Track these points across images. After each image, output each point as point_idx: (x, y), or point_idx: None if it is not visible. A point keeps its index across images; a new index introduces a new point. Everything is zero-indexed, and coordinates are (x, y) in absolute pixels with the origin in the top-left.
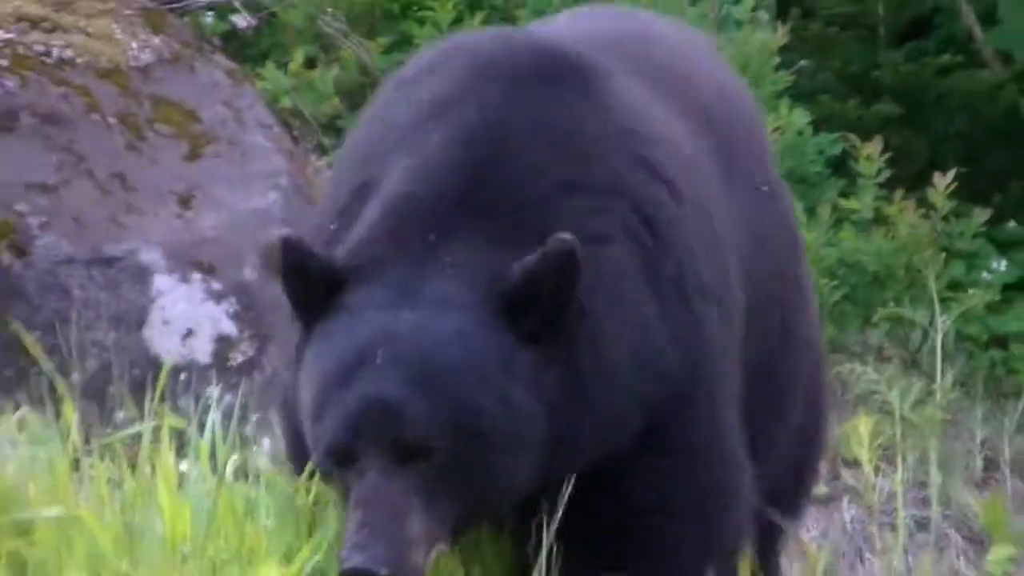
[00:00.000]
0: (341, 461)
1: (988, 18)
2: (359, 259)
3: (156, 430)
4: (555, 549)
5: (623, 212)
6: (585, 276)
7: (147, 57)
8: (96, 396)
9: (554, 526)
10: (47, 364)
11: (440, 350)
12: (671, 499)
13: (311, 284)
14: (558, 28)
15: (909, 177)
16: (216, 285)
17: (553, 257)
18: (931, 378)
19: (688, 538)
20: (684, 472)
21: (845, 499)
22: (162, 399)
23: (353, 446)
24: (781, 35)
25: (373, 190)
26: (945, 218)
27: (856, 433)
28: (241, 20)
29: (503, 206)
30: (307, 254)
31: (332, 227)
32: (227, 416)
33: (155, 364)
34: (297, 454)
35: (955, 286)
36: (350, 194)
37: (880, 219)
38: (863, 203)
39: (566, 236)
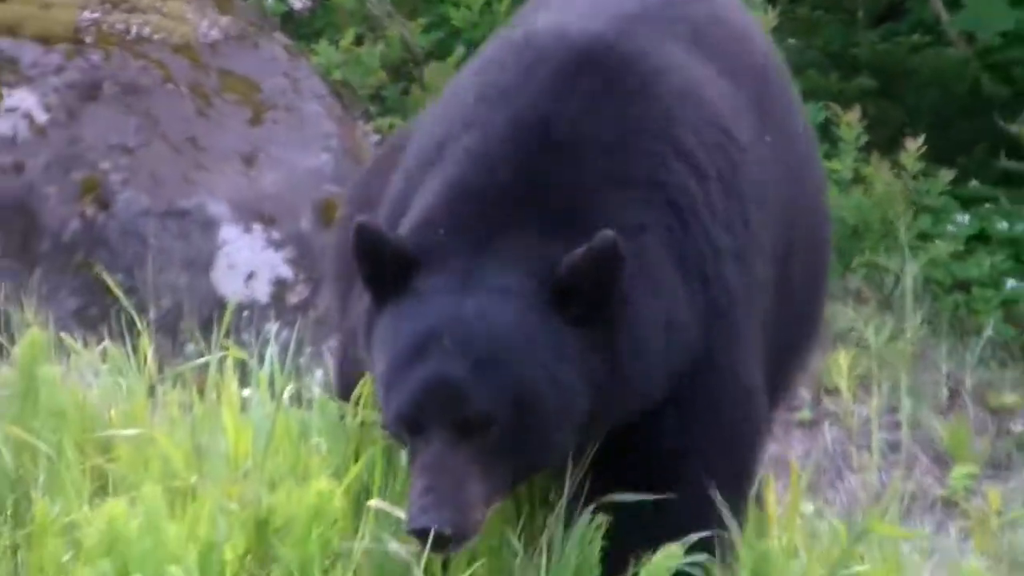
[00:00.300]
0: (410, 429)
1: (954, 3)
2: (424, 243)
3: (221, 361)
4: (585, 484)
5: (660, 204)
6: (626, 266)
7: (215, 35)
8: (169, 331)
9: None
10: (126, 303)
11: (499, 335)
12: (696, 444)
13: (383, 266)
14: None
15: (884, 142)
16: (275, 234)
17: (597, 252)
18: (902, 318)
19: (713, 474)
20: (708, 422)
21: (826, 423)
22: (227, 334)
23: (420, 419)
24: (772, 17)
25: (438, 164)
26: (915, 178)
27: (836, 365)
28: (298, 2)
29: (552, 198)
30: (380, 239)
31: (399, 197)
32: (284, 349)
33: (220, 303)
34: (344, 392)
35: (923, 237)
36: (419, 166)
37: (858, 179)
38: (844, 164)
39: (609, 233)
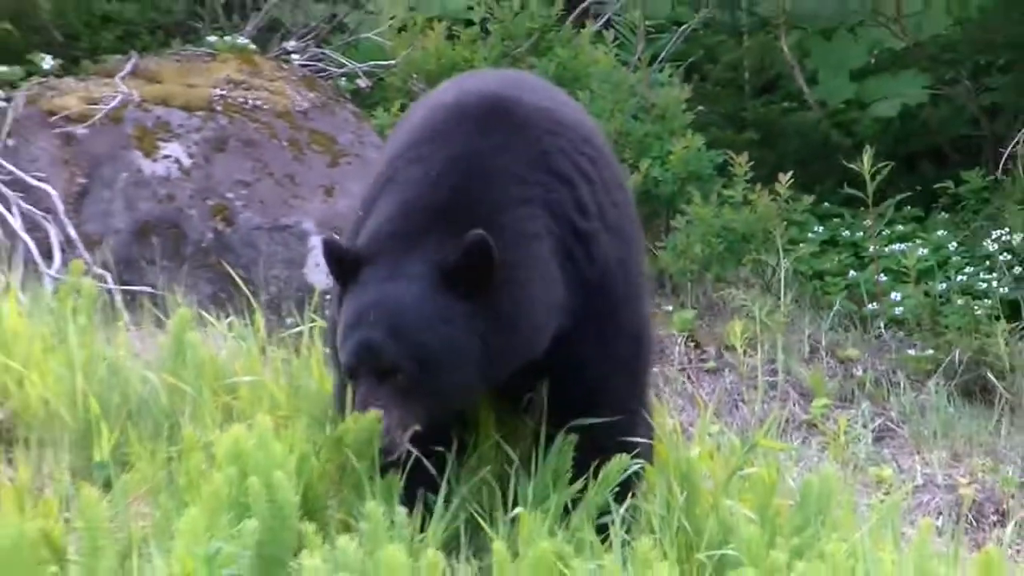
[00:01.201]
0: (350, 375)
1: (811, 80)
2: (372, 247)
3: (311, 330)
4: (543, 412)
5: (545, 218)
6: (521, 258)
7: (306, 104)
8: (274, 309)
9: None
10: (245, 290)
11: (403, 309)
12: (608, 375)
13: (343, 267)
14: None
15: (764, 177)
16: None
17: (469, 244)
18: (778, 298)
19: (625, 394)
20: (610, 359)
21: (726, 370)
22: (314, 311)
23: (354, 368)
24: (687, 90)
25: (388, 186)
26: (786, 201)
27: (733, 331)
28: (362, 82)
29: (473, 213)
30: (340, 249)
31: (360, 214)
32: None
33: (310, 289)
34: (333, 359)
35: (792, 242)
36: (376, 186)
37: (747, 201)
38: (736, 192)
39: (479, 231)
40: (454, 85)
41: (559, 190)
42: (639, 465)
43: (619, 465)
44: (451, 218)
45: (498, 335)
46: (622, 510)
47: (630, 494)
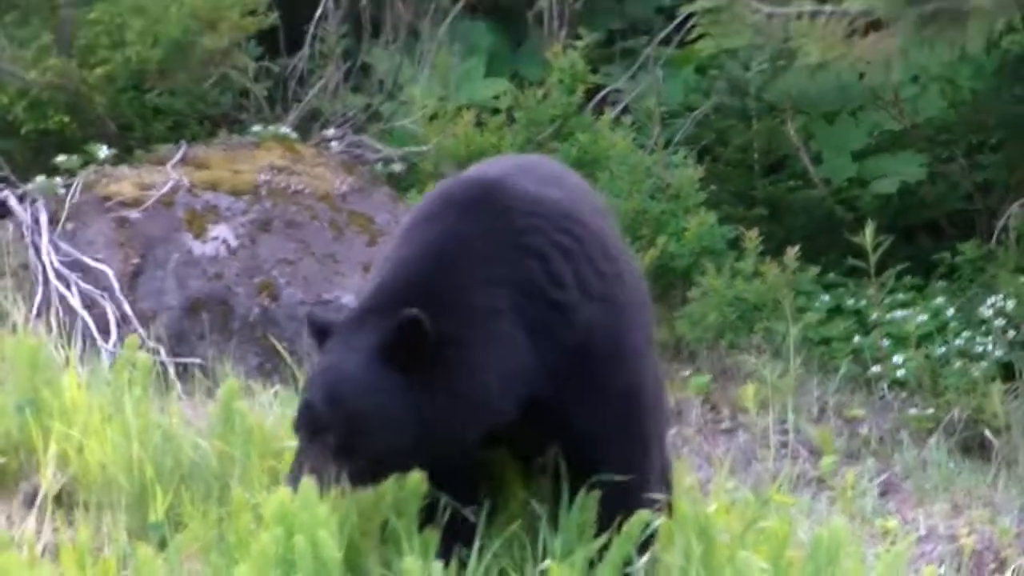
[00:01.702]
0: (295, 429)
1: (816, 160)
2: (341, 321)
3: None
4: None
5: (514, 293)
6: (475, 335)
7: (345, 188)
8: None
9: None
10: (290, 360)
11: (342, 378)
12: (606, 435)
13: (318, 335)
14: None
15: (773, 250)
16: None
17: (400, 321)
18: (788, 362)
19: (628, 454)
20: (603, 413)
21: (740, 430)
22: None
23: (297, 427)
24: (700, 171)
25: (379, 271)
26: (793, 272)
27: (746, 393)
28: (397, 166)
29: (437, 292)
30: (316, 320)
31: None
32: None
33: None
34: None
35: (800, 310)
36: (375, 267)
37: (757, 273)
38: (747, 264)
39: (412, 310)
40: (467, 171)
41: (530, 265)
42: (659, 522)
43: (640, 520)
44: (408, 297)
45: (436, 406)
46: (643, 561)
47: (649, 549)
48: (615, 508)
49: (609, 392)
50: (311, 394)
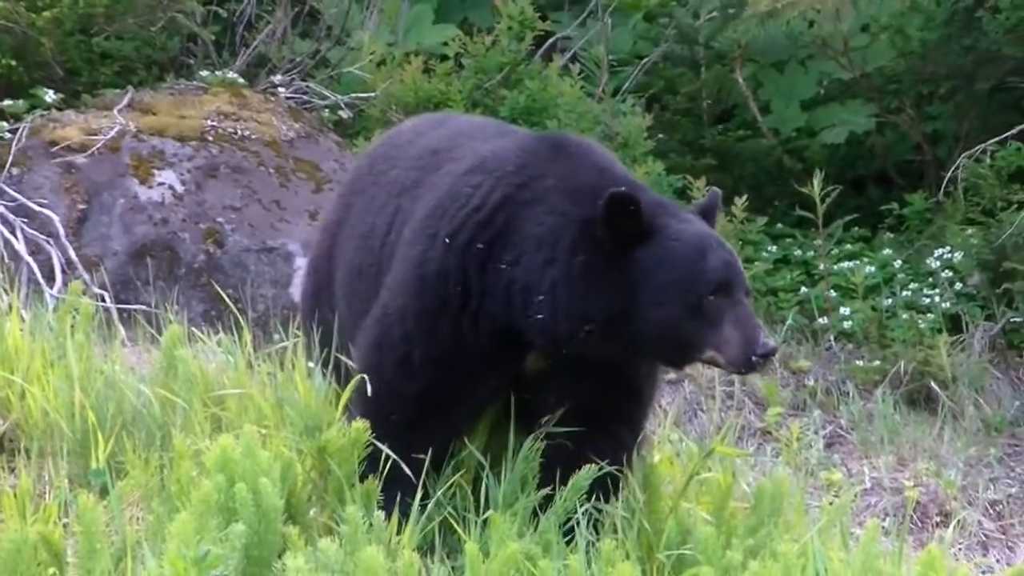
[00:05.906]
0: (746, 294)
1: (765, 109)
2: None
3: (295, 346)
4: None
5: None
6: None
7: (291, 135)
8: (262, 326)
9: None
10: (234, 308)
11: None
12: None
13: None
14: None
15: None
16: None
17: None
18: None
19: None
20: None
21: (685, 381)
22: (298, 328)
23: (747, 287)
24: (648, 119)
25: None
26: (742, 222)
27: None
28: (344, 113)
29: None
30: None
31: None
32: None
33: (295, 307)
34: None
35: (748, 260)
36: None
37: None
38: None
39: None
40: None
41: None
42: (606, 472)
43: (587, 473)
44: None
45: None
46: (582, 510)
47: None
48: (617, 461)
49: None
50: (733, 257)
